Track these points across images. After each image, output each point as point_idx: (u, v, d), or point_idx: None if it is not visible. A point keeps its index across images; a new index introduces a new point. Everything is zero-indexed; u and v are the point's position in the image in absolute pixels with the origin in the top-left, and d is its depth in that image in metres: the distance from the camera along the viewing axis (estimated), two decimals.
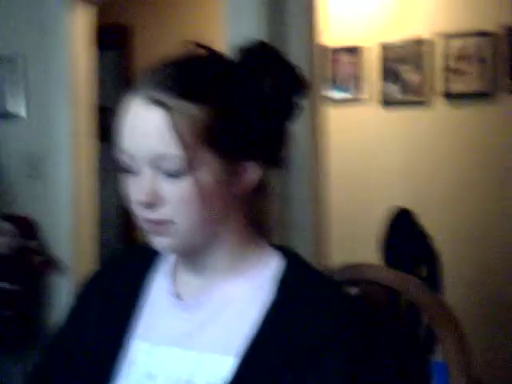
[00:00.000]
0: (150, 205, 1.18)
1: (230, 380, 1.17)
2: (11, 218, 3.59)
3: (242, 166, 1.21)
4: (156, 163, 1.17)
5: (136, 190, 1.19)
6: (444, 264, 3.29)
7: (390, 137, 4.56)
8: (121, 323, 1.30)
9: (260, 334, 1.19)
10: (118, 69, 5.32)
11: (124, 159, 1.20)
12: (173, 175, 1.17)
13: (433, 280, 3.11)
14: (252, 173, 1.22)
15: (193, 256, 1.26)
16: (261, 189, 1.27)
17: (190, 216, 1.18)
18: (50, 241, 3.64)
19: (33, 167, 3.73)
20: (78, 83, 3.74)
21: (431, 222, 3.54)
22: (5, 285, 3.40)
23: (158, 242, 1.22)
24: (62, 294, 3.55)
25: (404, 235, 3.36)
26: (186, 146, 1.15)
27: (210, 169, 1.18)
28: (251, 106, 1.21)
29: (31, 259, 3.45)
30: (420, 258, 3.20)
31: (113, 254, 1.44)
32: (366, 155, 4.61)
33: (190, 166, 1.16)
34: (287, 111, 1.26)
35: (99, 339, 1.31)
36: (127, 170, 1.20)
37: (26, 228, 3.58)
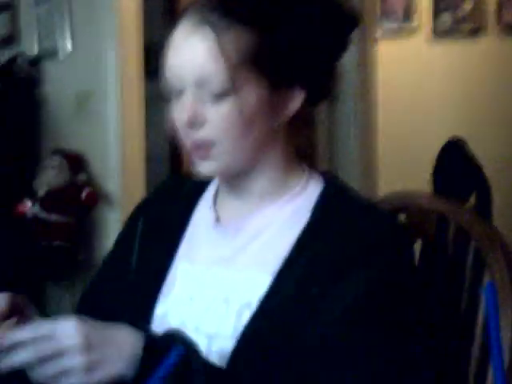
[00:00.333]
0: (192, 124, 1.18)
1: (262, 298, 1.18)
2: (60, 153, 3.62)
3: (286, 92, 1.21)
4: (200, 84, 1.17)
5: (179, 110, 1.20)
6: (495, 194, 3.25)
7: (441, 68, 4.48)
8: (165, 247, 1.32)
9: (293, 253, 1.21)
10: (166, 3, 5.28)
11: (169, 81, 1.21)
12: (217, 96, 1.17)
13: (482, 210, 3.08)
14: (296, 100, 1.21)
15: (235, 180, 1.26)
16: (307, 118, 1.27)
17: (231, 138, 1.19)
18: (98, 175, 3.67)
19: (81, 103, 3.74)
20: (125, 18, 3.71)
21: (483, 152, 3.49)
22: (55, 216, 3.45)
23: (202, 166, 1.23)
24: (110, 227, 3.59)
25: (455, 166, 3.33)
26: (231, 67, 1.15)
27: (254, 91, 1.18)
28: (299, 30, 1.20)
29: (80, 192, 3.49)
30: (471, 188, 3.16)
31: (162, 184, 1.46)
32: (417, 87, 4.53)
33: (234, 87, 1.16)
34: (336, 40, 1.25)
35: (145, 263, 1.33)
36: (172, 94, 1.21)
37: (75, 162, 3.61)
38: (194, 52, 1.18)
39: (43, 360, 1.02)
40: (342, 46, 1.26)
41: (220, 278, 1.25)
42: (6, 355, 1.03)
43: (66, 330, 1.04)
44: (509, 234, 1.44)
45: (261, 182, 1.26)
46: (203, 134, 1.19)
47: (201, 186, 1.37)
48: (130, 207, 1.46)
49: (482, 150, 3.49)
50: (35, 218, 3.48)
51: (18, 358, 1.03)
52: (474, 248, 1.31)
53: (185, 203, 1.36)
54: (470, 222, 1.32)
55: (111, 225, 3.59)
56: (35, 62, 3.80)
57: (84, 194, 3.51)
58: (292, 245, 1.21)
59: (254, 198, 1.27)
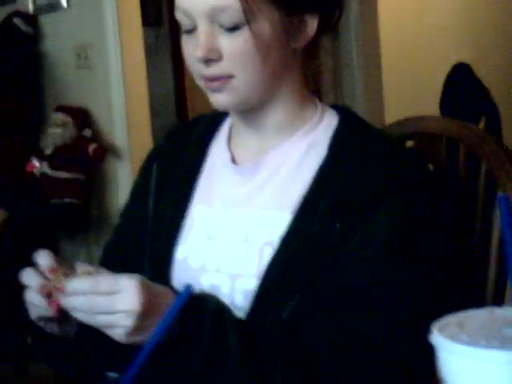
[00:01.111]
0: (208, 60, 1.16)
1: (284, 236, 1.17)
2: (64, 109, 3.60)
3: (299, 20, 1.19)
4: (213, 16, 1.15)
5: (193, 46, 1.18)
6: (503, 117, 3.22)
7: None
8: (181, 190, 1.31)
9: (313, 189, 1.19)
10: None
11: (181, 16, 1.18)
12: (231, 28, 1.15)
13: (492, 133, 3.05)
14: (310, 27, 1.20)
15: (250, 114, 1.25)
16: (315, 48, 1.25)
17: (248, 70, 1.17)
18: (103, 129, 3.65)
19: (82, 57, 3.71)
20: None
21: (490, 75, 3.44)
22: (64, 174, 3.44)
23: (217, 98, 1.20)
24: (120, 180, 3.58)
25: (463, 90, 3.29)
26: None
27: (268, 21, 1.16)
28: None
29: (87, 148, 3.48)
30: (480, 112, 3.13)
31: (173, 129, 1.45)
32: (421, 11, 4.45)
33: (248, 18, 1.14)
34: None
35: (162, 208, 1.33)
36: (184, 29, 1.19)
37: (80, 118, 3.59)
38: None
39: (96, 312, 1.03)
40: None
41: (239, 218, 1.24)
42: (65, 297, 1.04)
43: (127, 293, 1.02)
44: None
45: (277, 115, 1.24)
46: (219, 68, 1.17)
47: (213, 126, 1.35)
48: (138, 159, 1.46)
49: (487, 77, 3.45)
50: (44, 176, 3.48)
51: (74, 303, 1.04)
52: (485, 168, 1.29)
53: (198, 145, 1.34)
54: (480, 143, 1.30)
55: (121, 178, 3.59)
56: (32, 18, 3.76)
57: (91, 150, 3.50)
58: (311, 181, 1.20)
59: (270, 133, 1.25)
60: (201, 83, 1.21)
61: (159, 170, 1.35)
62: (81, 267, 1.08)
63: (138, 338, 1.04)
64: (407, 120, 1.42)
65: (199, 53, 1.16)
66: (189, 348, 1.05)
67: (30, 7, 3.82)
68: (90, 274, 1.05)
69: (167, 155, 1.37)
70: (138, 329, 1.02)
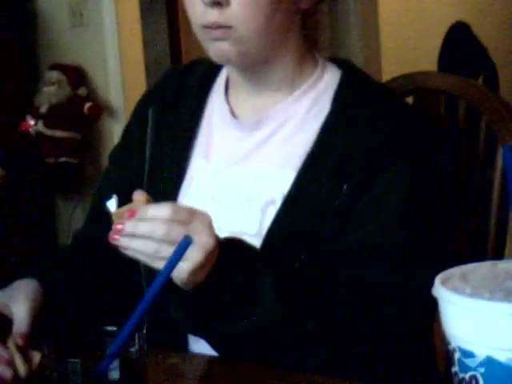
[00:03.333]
0: (215, 3, 1.12)
1: (288, 194, 1.15)
2: (58, 68, 3.56)
3: None
4: None
5: None
6: (500, 76, 3.21)
7: None
8: (182, 142, 1.28)
9: (317, 146, 1.17)
10: None
11: None
12: None
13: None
14: None
15: (251, 71, 1.22)
16: (314, 7, 1.23)
17: (253, 20, 1.13)
18: (99, 87, 3.62)
19: (76, 15, 3.67)
20: None
21: (488, 34, 3.42)
22: (59, 133, 3.42)
23: (218, 47, 1.16)
24: (116, 139, 3.55)
25: (461, 48, 3.28)
26: None
27: None
28: None
29: (82, 106, 3.45)
30: (478, 69, 3.12)
31: (169, 72, 1.40)
32: None
33: None
34: None
35: (160, 158, 1.29)
36: None
37: (74, 76, 3.56)
38: None
39: (170, 241, 0.98)
40: None
41: (240, 177, 1.22)
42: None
43: (203, 228, 1.01)
44: None
45: (278, 71, 1.22)
46: (224, 16, 1.13)
47: (210, 74, 1.31)
48: None
49: (485, 36, 3.43)
50: (39, 135, 3.46)
51: (151, 228, 0.99)
52: (485, 123, 1.28)
53: (196, 94, 1.31)
54: (480, 98, 1.29)
55: (116, 136, 3.55)
56: None
57: (86, 108, 3.47)
58: (315, 137, 1.18)
59: (270, 89, 1.23)
60: (200, 33, 1.17)
61: (156, 115, 1.31)
62: (138, 196, 1.03)
63: (196, 278, 1.02)
64: (406, 76, 1.41)
65: None
66: (224, 286, 1.04)
67: None
68: (149, 201, 1.01)
69: (164, 100, 1.32)
70: (202, 266, 1.00)
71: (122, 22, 3.62)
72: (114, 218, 1.00)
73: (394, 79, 1.41)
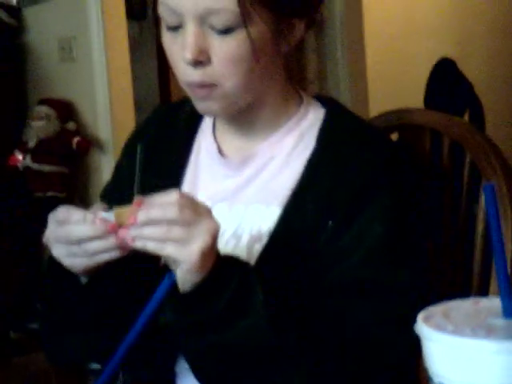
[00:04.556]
0: (197, 62, 1.11)
1: (274, 230, 1.16)
2: (47, 102, 3.58)
3: (289, 23, 1.16)
4: (204, 18, 1.09)
5: (179, 45, 1.12)
6: (486, 111, 3.23)
7: None
8: (169, 181, 1.28)
9: (303, 182, 1.18)
10: None
11: (166, 12, 1.12)
12: (223, 32, 1.10)
13: (476, 126, 3.07)
14: (298, 30, 1.18)
15: (237, 117, 1.22)
16: (299, 44, 1.23)
17: (239, 75, 1.13)
18: (87, 122, 3.64)
19: (66, 50, 3.69)
20: None
21: (473, 71, 3.46)
22: (47, 167, 3.43)
23: (204, 106, 1.17)
24: (104, 174, 3.57)
25: (447, 85, 3.31)
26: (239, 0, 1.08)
27: (261, 25, 1.11)
28: None
29: (70, 141, 3.46)
30: (463, 106, 3.14)
31: (155, 112, 1.40)
32: (407, 7, 4.45)
33: (242, 21, 1.09)
34: None
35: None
36: (168, 26, 1.13)
37: (63, 111, 3.58)
38: None
39: (179, 224, 0.99)
40: None
41: (227, 214, 1.22)
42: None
43: (208, 214, 1.02)
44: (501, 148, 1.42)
45: (263, 113, 1.22)
46: (207, 75, 1.12)
47: (198, 113, 1.33)
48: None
49: (471, 72, 3.46)
50: (27, 169, 3.46)
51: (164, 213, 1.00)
52: (469, 160, 1.29)
53: (184, 132, 1.31)
54: (464, 135, 1.30)
55: (104, 171, 3.57)
56: (16, 10, 3.74)
57: (75, 143, 3.48)
58: (300, 174, 1.19)
59: (257, 130, 1.24)
60: (186, 87, 1.17)
61: (144, 152, 1.32)
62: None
63: (206, 263, 1.01)
64: (391, 112, 1.42)
65: (188, 55, 1.10)
66: (219, 290, 1.04)
67: None
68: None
69: (152, 138, 1.32)
70: (210, 249, 1.01)
71: (112, 57, 3.64)
72: (116, 218, 1.01)
73: (380, 115, 1.43)
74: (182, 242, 0.99)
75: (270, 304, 1.06)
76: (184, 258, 0.99)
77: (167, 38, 1.15)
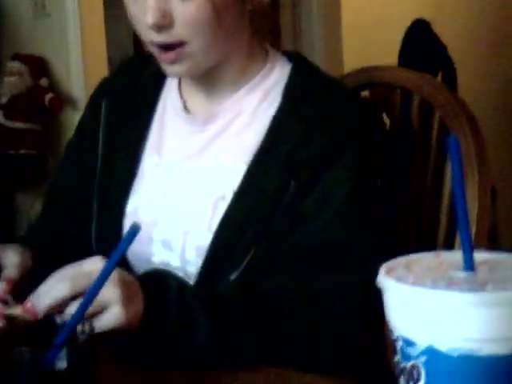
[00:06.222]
0: (161, 27, 1.10)
1: (238, 189, 1.16)
2: (20, 58, 3.53)
3: None
4: None
5: (140, 9, 1.11)
6: (460, 74, 3.23)
7: None
8: (133, 137, 1.28)
9: (268, 139, 1.18)
10: None
11: None
12: None
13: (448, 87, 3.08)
14: None
15: (202, 75, 1.21)
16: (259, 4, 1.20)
17: (203, 36, 1.12)
18: (61, 79, 3.60)
19: (38, 5, 3.64)
20: None
21: (448, 31, 3.45)
22: (19, 124, 3.39)
23: (171, 69, 1.16)
24: None
25: (421, 46, 3.30)
26: None
27: None
28: None
29: (43, 98, 3.42)
30: (436, 67, 3.14)
31: (124, 63, 1.39)
32: None
33: None
34: None
35: (113, 154, 1.28)
36: None
37: (36, 66, 3.53)
38: None
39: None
40: None
41: (193, 172, 1.21)
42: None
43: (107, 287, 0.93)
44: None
45: (228, 70, 1.22)
46: (171, 36, 1.11)
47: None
48: None
49: (445, 34, 3.45)
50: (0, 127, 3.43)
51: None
52: (438, 118, 1.29)
53: (149, 86, 1.30)
54: (434, 93, 1.30)
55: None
56: None
57: (47, 99, 3.44)
58: (266, 131, 1.18)
59: (222, 87, 1.23)
60: (152, 50, 1.16)
61: (109, 108, 1.30)
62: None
63: (132, 309, 0.96)
64: (362, 70, 1.42)
65: (150, 19, 1.09)
66: (158, 325, 0.99)
67: None
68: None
69: (117, 94, 1.31)
70: (128, 298, 0.95)
71: (85, 13, 3.60)
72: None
73: (351, 73, 1.42)
74: (99, 316, 0.94)
75: (215, 323, 1.01)
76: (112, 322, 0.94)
77: (128, 2, 1.14)
